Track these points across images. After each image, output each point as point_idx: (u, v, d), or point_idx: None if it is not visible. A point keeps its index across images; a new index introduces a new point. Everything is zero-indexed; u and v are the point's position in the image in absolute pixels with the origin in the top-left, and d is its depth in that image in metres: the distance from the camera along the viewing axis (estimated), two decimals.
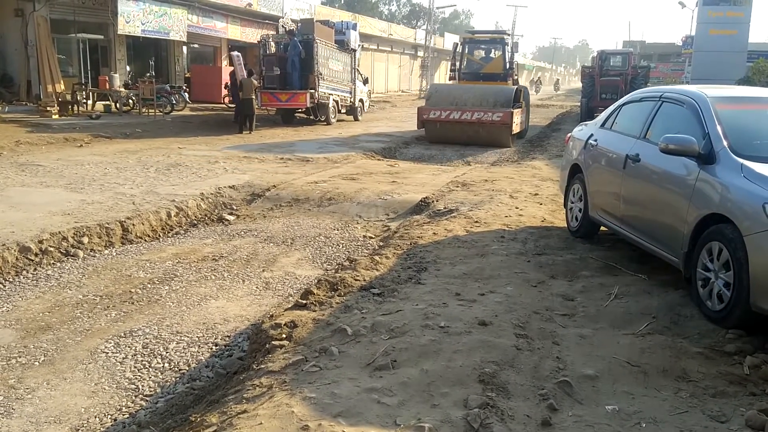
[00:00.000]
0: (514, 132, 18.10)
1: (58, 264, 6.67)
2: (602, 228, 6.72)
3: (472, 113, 17.42)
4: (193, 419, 3.50)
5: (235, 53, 21.09)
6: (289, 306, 5.02)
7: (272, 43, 21.05)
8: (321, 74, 20.79)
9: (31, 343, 4.87)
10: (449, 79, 22.61)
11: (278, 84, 20.66)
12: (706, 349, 4.07)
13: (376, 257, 6.08)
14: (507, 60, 21.12)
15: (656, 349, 4.04)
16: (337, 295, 5.03)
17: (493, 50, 22.12)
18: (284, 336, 4.29)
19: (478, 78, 20.97)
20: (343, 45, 23.44)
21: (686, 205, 4.84)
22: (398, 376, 3.58)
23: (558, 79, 75.78)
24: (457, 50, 21.87)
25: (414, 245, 6.59)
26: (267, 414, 3.17)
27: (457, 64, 21.49)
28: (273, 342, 4.22)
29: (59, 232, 7.12)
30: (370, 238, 8.03)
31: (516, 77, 21.67)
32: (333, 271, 6.32)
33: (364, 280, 5.36)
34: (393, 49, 49.47)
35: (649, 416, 3.31)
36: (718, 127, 4.85)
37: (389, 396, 3.36)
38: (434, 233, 7.09)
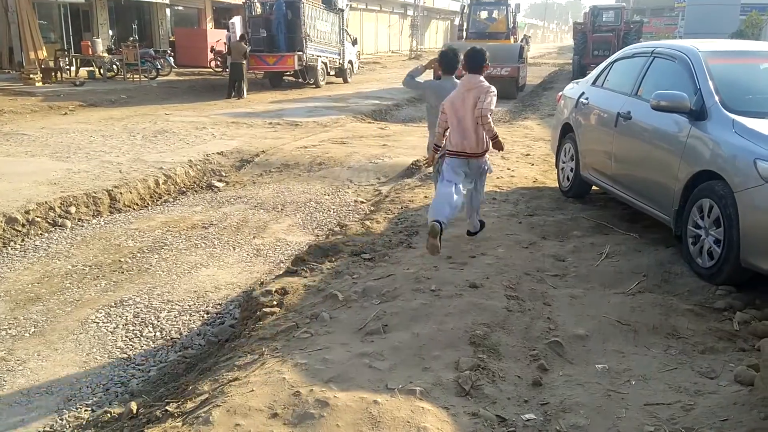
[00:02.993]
0: (519, 85, 19.95)
1: (46, 234, 6.60)
2: (594, 187, 6.70)
3: None
4: (186, 387, 3.50)
5: (233, 21, 20.62)
6: (280, 273, 5.00)
7: (258, 4, 20.59)
8: (308, 36, 20.42)
9: (21, 314, 4.84)
10: (458, 39, 25.00)
11: (265, 47, 20.29)
12: (696, 306, 4.09)
13: (367, 222, 6.05)
14: (509, 20, 23.35)
15: (646, 307, 4.06)
16: (328, 261, 5.01)
17: (496, 11, 23.98)
18: (275, 303, 4.28)
19: (483, 37, 22.57)
20: (330, 5, 22.99)
21: (677, 162, 4.80)
22: (389, 340, 3.58)
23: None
24: (464, 12, 24.36)
25: (405, 209, 6.55)
26: (258, 381, 3.17)
27: (465, 24, 23.82)
28: (264, 309, 4.21)
29: (46, 202, 7.04)
30: (362, 202, 7.98)
31: (517, 35, 24.15)
32: (324, 236, 6.29)
33: (355, 245, 5.34)
34: (382, 9, 48.62)
35: (638, 374, 3.33)
36: (710, 83, 4.78)
37: (380, 360, 3.36)
38: (425, 196, 7.05)
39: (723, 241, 4.24)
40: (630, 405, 3.05)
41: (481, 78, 5.05)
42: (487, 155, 5.13)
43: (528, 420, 2.94)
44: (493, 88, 4.99)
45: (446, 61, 5.56)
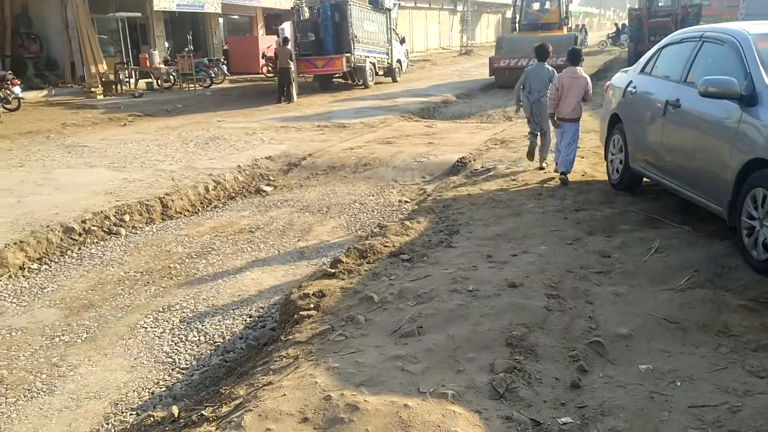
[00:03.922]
0: None
1: (102, 242, 6.84)
2: (645, 179, 6.46)
3: None
4: (223, 391, 3.55)
5: (283, 27, 20.86)
6: (319, 275, 5.02)
7: (305, 9, 20.81)
8: (356, 37, 20.51)
9: (75, 321, 5.03)
10: (511, 31, 25.61)
11: (314, 50, 20.49)
12: (750, 301, 3.89)
13: (407, 222, 6.01)
14: (562, 10, 23.47)
15: (696, 303, 3.89)
16: (366, 263, 4.99)
17: (548, 2, 24.06)
18: (312, 306, 4.30)
19: (536, 28, 22.97)
20: (377, 5, 23.02)
21: (729, 150, 4.58)
22: (423, 342, 3.54)
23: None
24: (516, 4, 24.49)
25: (447, 207, 6.48)
26: (291, 385, 3.18)
27: (517, 17, 24.13)
28: (301, 312, 4.23)
29: (101, 212, 7.29)
30: (406, 202, 7.95)
31: (570, 26, 24.70)
32: (365, 238, 6.29)
33: (394, 246, 5.31)
34: (431, 6, 48.39)
35: (684, 374, 3.19)
36: (760, 67, 4.53)
37: (414, 363, 3.32)
38: (469, 194, 6.96)
39: None
40: (674, 407, 2.92)
41: (579, 68, 7.40)
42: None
43: (564, 424, 2.85)
44: (587, 79, 7.44)
45: (540, 53, 7.94)
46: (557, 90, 7.27)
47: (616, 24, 44.64)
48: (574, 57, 7.41)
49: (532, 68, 8.02)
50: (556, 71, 7.70)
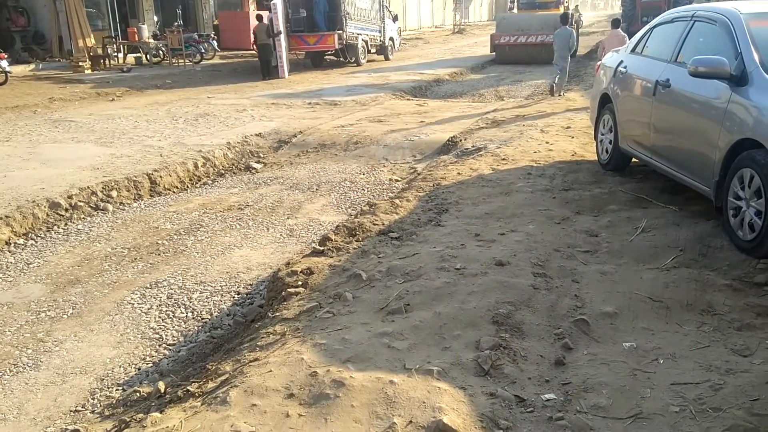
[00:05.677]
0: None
1: (88, 218, 6.79)
2: (634, 160, 6.47)
3: (536, 36, 21.15)
4: (209, 367, 3.55)
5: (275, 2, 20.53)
6: (307, 253, 5.01)
7: None
8: (348, 14, 20.30)
9: (61, 296, 5.01)
10: (508, 10, 26.94)
11: (305, 26, 20.27)
12: (735, 280, 3.92)
13: (397, 201, 5.99)
14: None
15: (681, 282, 3.91)
16: (355, 241, 4.99)
17: None
18: (300, 283, 4.29)
19: (534, 7, 24.22)
20: None
21: (717, 130, 4.58)
22: (410, 319, 3.55)
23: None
24: None
25: (437, 186, 6.47)
26: (277, 361, 3.19)
27: None
28: (289, 289, 4.23)
29: (88, 187, 7.23)
30: (396, 181, 7.93)
31: (567, 4, 25.47)
32: (353, 216, 6.27)
33: (383, 224, 5.30)
34: None
35: (667, 352, 3.22)
36: (751, 46, 4.52)
37: (400, 340, 3.34)
38: (459, 173, 6.95)
39: (764, 212, 4.04)
40: (656, 384, 2.95)
41: (620, 30, 11.29)
42: None
43: (548, 400, 2.88)
44: (626, 36, 10.20)
45: (563, 18, 12.47)
46: (602, 46, 11.10)
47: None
48: (616, 23, 11.76)
49: (558, 30, 12.16)
50: (574, 31, 11.13)
